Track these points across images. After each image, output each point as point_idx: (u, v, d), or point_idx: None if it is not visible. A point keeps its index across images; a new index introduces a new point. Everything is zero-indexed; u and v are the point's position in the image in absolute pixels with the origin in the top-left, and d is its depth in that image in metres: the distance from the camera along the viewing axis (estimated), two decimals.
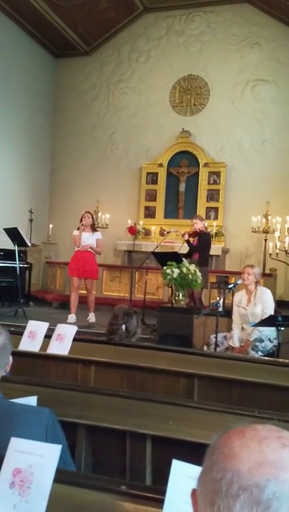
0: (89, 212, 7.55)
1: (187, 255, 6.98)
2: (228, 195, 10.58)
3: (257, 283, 4.93)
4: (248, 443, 0.67)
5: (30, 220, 11.08)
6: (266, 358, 4.17)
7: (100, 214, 11.07)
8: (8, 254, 8.67)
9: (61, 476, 1.32)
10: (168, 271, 5.89)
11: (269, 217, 9.81)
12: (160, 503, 1.22)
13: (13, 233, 7.84)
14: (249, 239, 10.24)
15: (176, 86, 11.20)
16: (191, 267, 5.92)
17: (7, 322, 5.53)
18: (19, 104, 10.89)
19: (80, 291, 7.44)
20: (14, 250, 7.92)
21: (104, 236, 10.79)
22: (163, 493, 1.23)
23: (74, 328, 3.28)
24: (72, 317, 7.18)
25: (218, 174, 10.58)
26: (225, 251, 10.32)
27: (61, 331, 3.26)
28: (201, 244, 7.07)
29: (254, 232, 9.89)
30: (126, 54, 11.64)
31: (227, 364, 2.95)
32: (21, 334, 3.27)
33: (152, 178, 11.08)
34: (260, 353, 4.67)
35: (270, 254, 8.84)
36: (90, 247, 7.28)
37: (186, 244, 7.24)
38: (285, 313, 4.60)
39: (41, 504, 1.26)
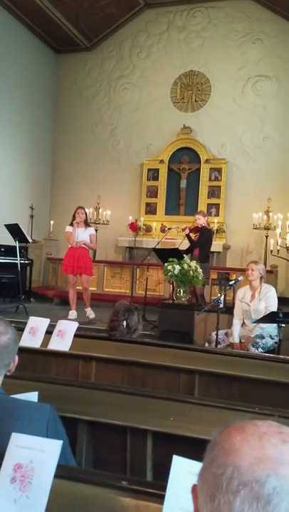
0: (82, 208, 7.49)
1: (187, 251, 6.98)
2: (229, 192, 10.57)
3: (262, 279, 4.93)
4: (249, 438, 0.67)
5: (31, 216, 11.08)
6: (267, 354, 4.17)
7: (100, 210, 11.07)
8: (9, 251, 8.68)
9: (62, 472, 1.32)
10: (169, 267, 5.90)
11: (270, 214, 9.80)
12: (161, 498, 1.23)
13: (14, 229, 7.84)
14: (250, 235, 10.23)
15: (178, 82, 11.17)
16: (192, 264, 5.92)
17: (8, 318, 5.51)
18: (20, 100, 10.87)
19: (78, 287, 7.44)
20: (15, 246, 7.92)
21: (106, 232, 10.86)
22: (163, 488, 1.23)
23: (75, 325, 3.29)
24: (73, 313, 7.19)
25: (219, 171, 10.56)
26: (226, 247, 10.31)
27: (62, 327, 3.26)
28: (201, 240, 7.06)
29: (255, 228, 9.88)
30: (127, 50, 11.61)
31: (228, 360, 2.96)
32: (22, 330, 3.27)
33: (153, 174, 11.06)
34: (260, 349, 4.67)
35: (271, 250, 8.83)
36: (84, 243, 7.26)
37: (186, 240, 7.24)
38: (285, 310, 4.59)
39: (42, 499, 1.26)
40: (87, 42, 11.77)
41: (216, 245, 9.24)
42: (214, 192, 10.57)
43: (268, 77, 10.49)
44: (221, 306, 5.07)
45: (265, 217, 9.83)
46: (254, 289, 4.94)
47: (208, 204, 10.52)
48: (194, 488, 0.72)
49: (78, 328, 3.28)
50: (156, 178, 11.03)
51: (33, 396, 1.83)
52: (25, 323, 3.35)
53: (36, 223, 11.14)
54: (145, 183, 11.11)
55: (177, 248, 6.75)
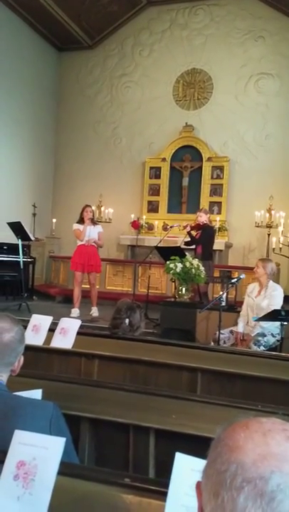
0: (89, 206, 7.57)
1: (188, 243, 7.02)
2: (231, 190, 10.56)
3: (268, 276, 4.93)
4: (253, 435, 0.67)
5: (34, 215, 11.09)
6: (269, 352, 4.17)
7: (103, 208, 11.07)
8: (12, 249, 8.69)
9: (65, 469, 1.32)
10: (171, 265, 5.89)
11: (272, 212, 9.78)
12: (163, 495, 1.23)
13: (16, 227, 7.85)
14: (252, 233, 10.21)
15: (180, 80, 11.15)
16: (194, 262, 5.92)
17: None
18: (22, 98, 10.87)
19: (83, 286, 7.46)
20: (18, 244, 7.93)
21: (108, 231, 10.82)
22: (166, 485, 1.23)
23: (77, 322, 3.29)
24: (75, 311, 7.21)
25: (221, 169, 10.55)
26: (228, 245, 10.30)
27: (65, 324, 3.27)
28: (203, 237, 7.07)
29: (257, 226, 9.87)
30: (129, 48, 11.59)
31: (230, 358, 2.96)
32: (25, 328, 3.27)
33: (155, 172, 11.05)
34: (262, 347, 4.67)
35: (274, 248, 8.82)
36: (94, 241, 7.31)
37: (188, 238, 7.26)
38: (288, 308, 4.59)
39: (45, 496, 1.26)
40: (90, 40, 11.75)
41: (218, 243, 9.23)
42: (216, 190, 10.56)
43: (270, 74, 10.46)
44: (223, 304, 5.08)
45: (267, 215, 9.82)
46: (261, 285, 4.98)
47: (210, 202, 10.51)
48: (198, 485, 0.72)
49: (81, 326, 3.29)
50: (158, 176, 11.02)
51: (36, 394, 1.84)
52: (28, 321, 3.35)
53: (39, 221, 11.15)
54: (147, 181, 11.10)
55: (179, 246, 6.75)
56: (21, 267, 7.90)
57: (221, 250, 9.84)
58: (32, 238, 8.42)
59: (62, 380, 2.33)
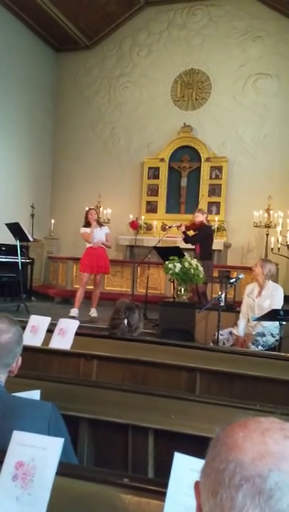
0: (93, 209, 7.80)
1: (185, 241, 7.05)
2: (229, 190, 10.56)
3: (265, 277, 4.92)
4: (251, 434, 0.67)
5: (32, 215, 11.09)
6: (268, 352, 4.17)
7: (101, 209, 11.07)
8: (10, 250, 8.68)
9: (64, 469, 1.32)
10: (170, 265, 5.90)
11: (271, 212, 9.79)
12: (162, 495, 1.23)
13: (14, 228, 7.85)
14: (251, 233, 10.22)
15: (178, 80, 11.16)
16: (193, 262, 5.92)
17: None
18: (20, 99, 10.87)
19: (87, 287, 7.53)
20: (16, 245, 7.93)
21: None
22: (165, 485, 1.23)
23: (76, 323, 3.29)
24: (75, 311, 7.24)
25: (219, 169, 10.56)
26: (227, 246, 10.31)
27: (63, 325, 3.26)
28: (200, 237, 7.07)
29: (256, 226, 9.88)
30: (127, 48, 11.60)
31: (229, 358, 2.96)
32: (23, 329, 3.27)
33: (154, 172, 11.05)
34: (260, 347, 4.67)
35: (272, 248, 8.82)
36: (102, 243, 7.42)
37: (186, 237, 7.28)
38: (287, 308, 4.59)
39: (44, 497, 1.26)
40: (88, 40, 11.75)
41: (217, 243, 9.23)
42: (215, 190, 10.57)
43: (268, 75, 10.47)
44: (222, 304, 5.08)
45: (266, 215, 9.83)
46: (260, 285, 4.97)
47: (208, 202, 10.51)
48: (197, 485, 0.72)
49: (79, 327, 3.28)
50: (156, 176, 11.02)
51: (35, 394, 1.83)
52: (27, 322, 3.35)
53: (37, 222, 11.14)
54: (146, 182, 11.10)
55: (178, 246, 6.75)
56: (20, 267, 7.90)
57: (219, 250, 9.84)
58: (30, 239, 8.41)
59: (61, 380, 2.33)
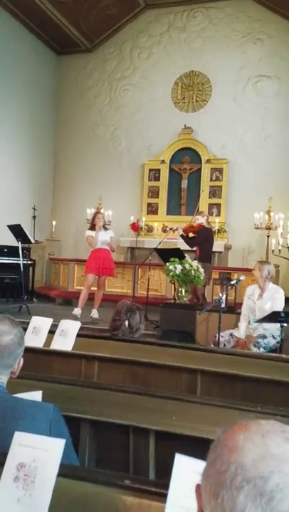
0: (100, 213, 7.93)
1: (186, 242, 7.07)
2: (230, 192, 10.56)
3: (264, 279, 4.90)
4: (252, 436, 0.67)
5: (34, 217, 11.09)
6: (269, 353, 4.16)
7: (102, 211, 11.06)
8: (12, 251, 8.70)
9: (65, 470, 1.32)
10: (171, 267, 5.90)
11: (272, 214, 9.78)
12: (163, 497, 1.22)
13: (16, 230, 7.86)
14: (251, 235, 10.21)
15: (178, 82, 11.17)
16: (193, 264, 5.92)
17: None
18: (21, 101, 10.88)
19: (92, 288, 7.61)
20: (18, 247, 7.94)
21: None
22: (166, 487, 1.23)
23: (77, 324, 3.29)
24: (78, 311, 7.26)
25: (220, 171, 10.56)
26: (227, 247, 10.31)
27: (65, 326, 3.27)
28: (198, 239, 7.07)
29: (256, 228, 9.87)
30: (128, 51, 11.61)
31: (230, 360, 2.95)
32: (25, 330, 3.27)
33: (154, 174, 11.06)
34: (262, 349, 4.66)
35: (273, 250, 8.82)
36: (108, 244, 7.47)
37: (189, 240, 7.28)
38: (288, 310, 4.58)
39: (45, 498, 1.26)
40: (88, 43, 11.77)
41: (218, 245, 9.24)
42: (215, 192, 10.57)
43: (268, 76, 10.48)
44: (223, 305, 5.07)
45: (267, 216, 9.82)
46: (261, 288, 4.95)
47: (209, 204, 10.51)
48: (198, 487, 0.72)
49: (81, 328, 3.28)
50: (157, 178, 11.03)
51: (37, 395, 1.83)
52: (28, 323, 3.35)
53: (38, 224, 11.15)
54: (146, 184, 11.11)
55: (179, 248, 6.76)
56: (21, 269, 7.91)
57: (220, 252, 9.85)
58: (32, 241, 8.42)
59: (63, 381, 2.33)
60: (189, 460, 1.25)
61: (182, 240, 7.50)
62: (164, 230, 9.57)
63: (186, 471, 1.24)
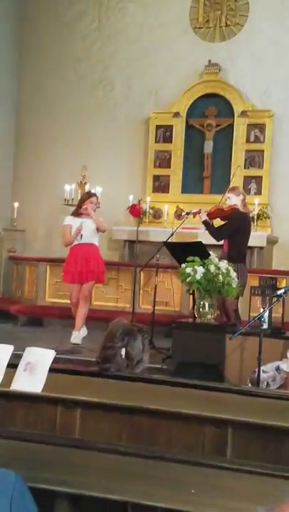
0: (95, 196, 8.06)
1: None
2: (275, 159, 10.57)
3: None
4: None
5: None
6: None
7: (87, 187, 11.07)
8: None
9: None
10: (188, 270, 5.89)
11: None
12: None
13: None
14: None
15: None
16: (221, 265, 5.92)
17: None
18: None
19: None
20: None
21: None
22: None
23: (51, 354, 3.29)
24: (76, 336, 7.40)
25: (261, 128, 10.55)
26: (271, 241, 10.29)
27: (32, 357, 3.27)
28: (229, 229, 7.04)
29: None
30: None
31: (276, 406, 2.96)
32: None
33: (165, 133, 11.06)
34: None
35: None
36: (92, 216, 7.56)
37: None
38: None
39: None
40: None
41: (257, 238, 9.23)
42: (254, 159, 10.56)
43: None
44: (265, 326, 5.07)
45: None
46: None
47: (244, 177, 10.50)
48: None
49: (55, 359, 3.29)
50: (168, 139, 11.03)
51: None
52: None
53: None
54: (152, 147, 11.11)
55: (200, 242, 6.75)
56: None
57: (261, 248, 9.83)
58: None
59: (29, 438, 2.34)
60: None
61: (203, 230, 7.49)
62: (179, 216, 9.54)
63: None
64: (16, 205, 11.52)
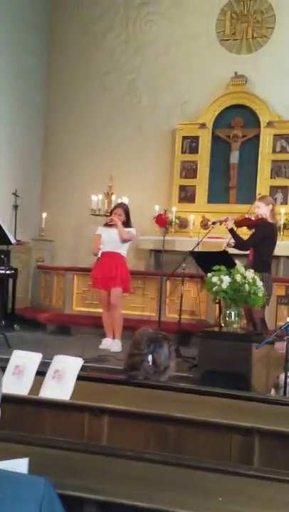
0: (121, 207, 8.13)
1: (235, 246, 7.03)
2: None
3: None
4: None
5: (15, 207, 11.17)
6: None
7: (114, 197, 11.12)
8: None
9: None
10: (214, 279, 5.88)
11: None
12: None
13: None
14: None
15: (227, 10, 11.18)
16: (248, 274, 5.89)
17: None
18: (0, 40, 10.98)
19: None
20: None
21: None
22: None
23: (78, 362, 3.30)
24: (106, 342, 7.65)
25: (287, 138, 10.54)
26: None
27: (60, 365, 3.27)
28: (256, 238, 7.01)
29: None
30: None
31: None
32: (3, 370, 3.29)
33: (191, 144, 11.08)
34: None
35: None
36: (116, 223, 7.71)
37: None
38: None
39: None
40: None
41: (283, 247, 9.18)
42: (280, 169, 10.52)
43: None
44: None
45: None
46: None
47: (270, 187, 10.47)
48: None
49: (83, 368, 3.29)
50: (194, 149, 11.04)
51: (20, 465, 1.84)
52: (8, 361, 3.37)
53: (22, 217, 11.23)
54: (179, 158, 11.13)
55: (226, 251, 6.73)
56: None
57: (287, 257, 9.79)
58: (12, 241, 8.48)
59: (57, 445, 2.33)
60: None
61: (229, 240, 7.46)
62: (205, 225, 9.54)
63: None
64: (44, 215, 11.59)
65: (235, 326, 6.02)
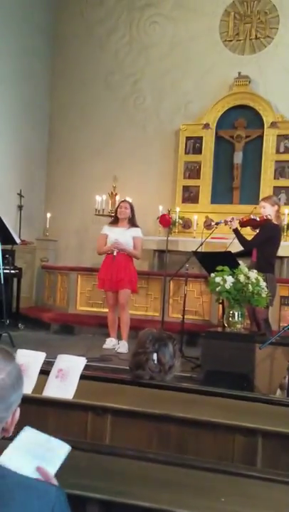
0: (126, 202, 8.13)
1: (241, 254, 6.95)
2: None
3: None
4: None
5: (20, 207, 11.19)
6: None
7: (118, 198, 11.11)
8: None
9: None
10: (217, 279, 5.86)
11: None
12: None
13: None
14: None
15: (230, 11, 11.17)
16: (251, 274, 5.88)
17: None
18: (4, 42, 10.98)
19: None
20: None
21: None
22: None
23: (82, 361, 3.29)
24: (111, 341, 7.63)
25: None
26: None
27: (63, 364, 3.28)
28: (260, 239, 6.99)
29: None
30: None
31: None
32: None
33: (194, 144, 11.08)
34: None
35: None
36: (124, 249, 7.61)
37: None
38: None
39: None
40: None
41: (287, 247, 9.16)
42: (284, 170, 10.51)
43: None
44: None
45: None
46: None
47: (274, 187, 10.46)
48: None
49: (86, 367, 3.29)
50: (198, 150, 11.04)
51: (58, 457, 1.83)
52: None
53: (27, 217, 11.25)
54: (182, 158, 11.13)
55: (230, 251, 6.72)
56: (1, 281, 7.97)
57: None
58: (17, 241, 8.48)
59: None
60: None
61: (232, 240, 7.44)
62: (208, 226, 9.53)
63: None
64: (48, 215, 11.61)
65: (238, 326, 6.01)
